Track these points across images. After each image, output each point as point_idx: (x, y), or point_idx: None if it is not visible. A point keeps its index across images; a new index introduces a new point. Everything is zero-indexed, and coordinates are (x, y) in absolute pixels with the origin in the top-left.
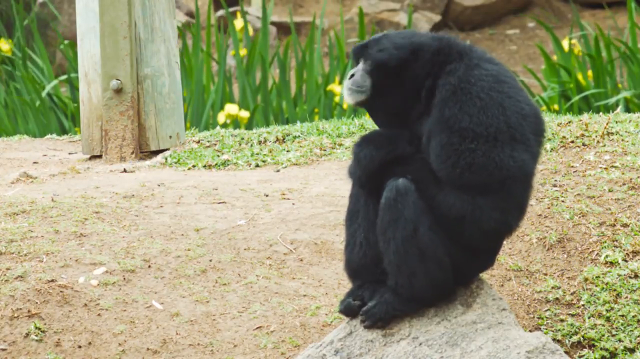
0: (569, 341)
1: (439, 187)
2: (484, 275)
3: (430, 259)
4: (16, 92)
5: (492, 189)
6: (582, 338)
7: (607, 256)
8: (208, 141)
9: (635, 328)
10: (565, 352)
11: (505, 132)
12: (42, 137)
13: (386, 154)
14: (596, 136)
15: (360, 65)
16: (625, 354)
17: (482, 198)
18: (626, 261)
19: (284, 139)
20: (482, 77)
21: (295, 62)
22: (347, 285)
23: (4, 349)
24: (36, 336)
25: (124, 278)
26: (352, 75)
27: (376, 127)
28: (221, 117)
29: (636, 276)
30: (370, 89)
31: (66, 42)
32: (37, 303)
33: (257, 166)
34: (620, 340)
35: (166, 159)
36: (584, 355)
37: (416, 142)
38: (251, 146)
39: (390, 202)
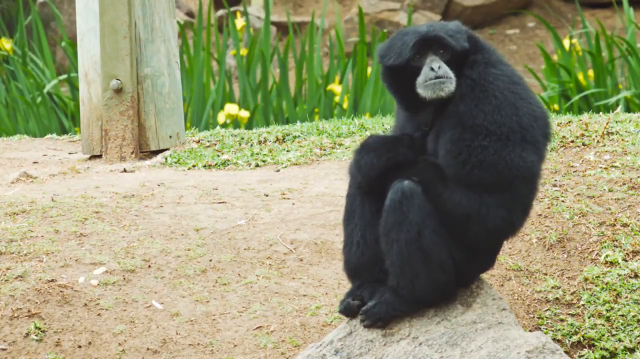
0: (569, 341)
1: (444, 185)
2: (484, 275)
3: (433, 262)
4: (17, 91)
5: (499, 187)
6: (582, 338)
7: (607, 256)
8: (208, 141)
9: (635, 327)
10: (565, 352)
11: (517, 133)
12: (42, 137)
13: (387, 161)
14: (596, 136)
15: (433, 57)
16: (625, 354)
17: (489, 196)
18: (626, 260)
19: (284, 139)
20: (498, 76)
21: (294, 61)
22: (347, 285)
23: (4, 349)
24: (36, 335)
25: (124, 278)
26: (432, 69)
27: (376, 129)
28: (221, 117)
29: (636, 276)
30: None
31: (64, 42)
32: (37, 302)
33: (257, 165)
34: (620, 340)
35: (166, 159)
36: (584, 355)
37: (418, 144)
38: (251, 145)
39: (395, 204)
